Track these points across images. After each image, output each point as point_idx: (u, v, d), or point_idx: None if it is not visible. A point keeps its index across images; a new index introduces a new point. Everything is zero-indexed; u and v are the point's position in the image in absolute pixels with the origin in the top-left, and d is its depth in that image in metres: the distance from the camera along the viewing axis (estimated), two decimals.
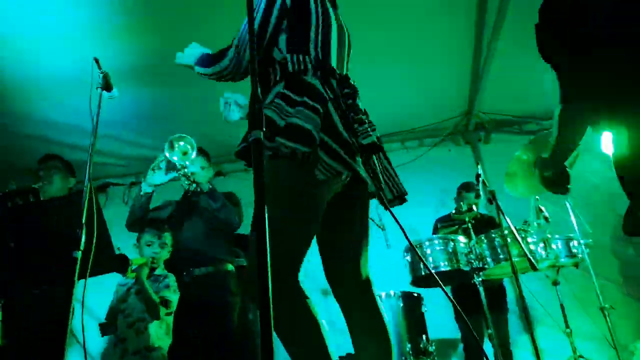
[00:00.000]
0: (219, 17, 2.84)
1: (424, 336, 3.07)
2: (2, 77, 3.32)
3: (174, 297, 2.67)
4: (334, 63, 1.53)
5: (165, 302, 2.63)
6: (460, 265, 3.02)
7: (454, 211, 3.26)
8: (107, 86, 1.83)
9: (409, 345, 2.98)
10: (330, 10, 1.59)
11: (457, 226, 3.24)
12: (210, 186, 2.82)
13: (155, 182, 2.78)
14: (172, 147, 2.66)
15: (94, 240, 1.52)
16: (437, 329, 3.50)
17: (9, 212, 1.68)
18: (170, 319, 2.67)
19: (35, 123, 3.77)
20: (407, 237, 1.49)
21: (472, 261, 3.05)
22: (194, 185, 2.81)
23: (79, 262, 1.53)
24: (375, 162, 1.48)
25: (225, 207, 2.77)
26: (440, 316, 3.75)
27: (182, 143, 2.68)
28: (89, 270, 1.50)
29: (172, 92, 3.61)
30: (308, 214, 1.37)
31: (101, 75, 1.80)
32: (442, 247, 3.05)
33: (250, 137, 1.05)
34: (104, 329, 2.64)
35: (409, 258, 3.15)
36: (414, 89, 3.97)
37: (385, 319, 1.49)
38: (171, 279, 2.73)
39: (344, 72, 1.59)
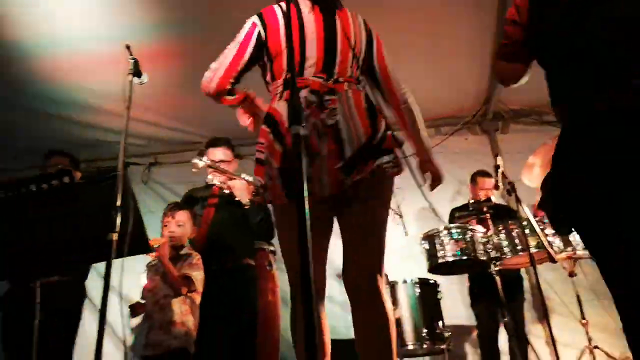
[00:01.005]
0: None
1: (439, 322, 3.11)
2: (35, 58, 3.35)
3: (197, 274, 2.74)
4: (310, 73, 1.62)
5: (188, 279, 2.69)
6: (478, 254, 3.05)
7: (471, 200, 3.28)
8: (137, 72, 1.85)
9: (425, 331, 3.03)
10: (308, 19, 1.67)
11: (474, 215, 3.25)
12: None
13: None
14: None
15: (130, 222, 1.56)
16: (452, 316, 3.56)
17: (45, 192, 1.73)
18: (196, 297, 2.75)
19: (64, 105, 3.81)
20: None
21: (489, 251, 3.07)
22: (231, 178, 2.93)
23: (114, 244, 1.58)
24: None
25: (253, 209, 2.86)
26: (455, 303, 3.81)
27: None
28: (125, 252, 1.55)
29: (191, 73, 3.64)
30: None
31: (132, 61, 1.83)
32: (459, 236, 3.07)
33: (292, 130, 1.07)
34: (134, 310, 2.72)
35: (426, 246, 3.18)
36: (432, 77, 3.95)
37: (386, 314, 1.55)
38: (195, 258, 2.80)
39: (334, 75, 1.64)
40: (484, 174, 3.64)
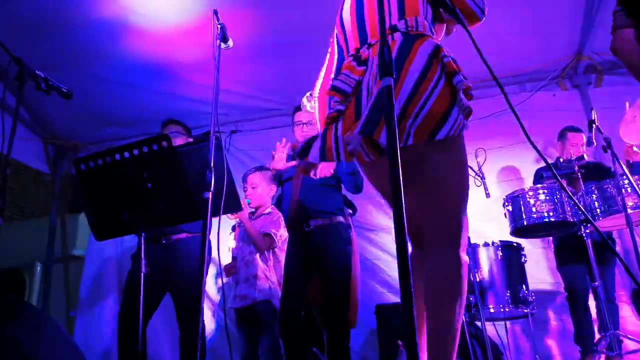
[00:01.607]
0: None
1: (523, 286, 3.04)
2: (125, 35, 3.55)
3: (277, 230, 2.91)
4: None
5: (269, 237, 2.84)
6: (567, 216, 2.90)
7: (561, 159, 3.10)
8: (224, 37, 1.91)
9: (507, 295, 2.97)
10: None
11: (564, 175, 3.08)
12: None
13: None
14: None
15: (225, 182, 1.66)
16: (536, 280, 3.45)
17: (145, 157, 1.87)
18: (279, 253, 2.91)
19: (153, 77, 4.01)
20: None
21: (580, 212, 2.92)
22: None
23: (210, 202, 1.68)
24: None
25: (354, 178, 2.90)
26: (539, 267, 3.69)
27: None
28: (221, 209, 1.65)
29: (270, 41, 3.68)
30: None
31: (219, 26, 1.89)
32: (547, 197, 2.94)
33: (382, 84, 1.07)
34: (228, 270, 2.93)
35: (510, 208, 3.07)
36: (518, 29, 3.70)
37: (444, 283, 1.44)
38: (276, 216, 2.98)
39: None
40: (575, 129, 3.42)
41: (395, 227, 0.94)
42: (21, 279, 4.45)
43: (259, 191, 3.02)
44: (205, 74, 3.90)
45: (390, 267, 3.87)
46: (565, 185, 3.01)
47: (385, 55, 1.05)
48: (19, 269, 4.54)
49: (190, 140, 3.10)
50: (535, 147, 1.43)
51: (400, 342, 3.03)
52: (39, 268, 4.53)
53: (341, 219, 2.98)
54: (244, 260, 2.92)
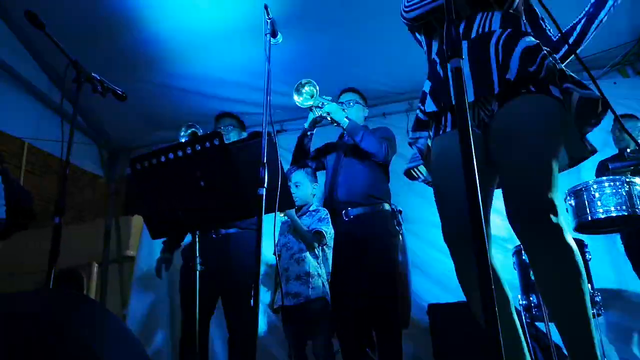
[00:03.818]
0: None
1: (588, 285, 2.86)
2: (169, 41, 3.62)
3: (326, 228, 2.87)
4: None
5: (319, 234, 2.82)
6: (637, 209, 2.71)
7: (628, 150, 2.91)
8: (273, 32, 1.89)
9: None
10: None
11: (631, 166, 2.88)
12: (349, 121, 2.90)
13: (305, 126, 3.10)
14: (298, 92, 2.96)
15: (279, 178, 1.63)
16: (601, 279, 3.25)
17: (198, 154, 1.87)
18: (328, 250, 2.87)
19: (198, 81, 4.07)
20: None
21: None
22: (335, 124, 2.94)
23: (264, 198, 1.66)
24: None
25: (368, 136, 2.82)
26: (603, 265, 3.47)
27: (306, 88, 2.87)
28: (276, 206, 1.63)
29: (320, 42, 3.66)
30: None
31: (269, 21, 1.87)
32: (614, 190, 2.75)
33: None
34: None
35: (572, 202, 2.90)
36: (571, 11, 3.51)
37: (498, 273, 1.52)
38: (323, 213, 2.95)
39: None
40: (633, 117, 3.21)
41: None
42: (79, 278, 4.63)
43: (301, 190, 3.01)
44: (250, 75, 3.93)
45: (441, 265, 3.75)
46: (631, 176, 2.83)
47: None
48: (77, 269, 4.72)
49: (244, 134, 3.14)
50: (630, 136, 1.36)
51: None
52: (95, 268, 4.70)
53: (386, 206, 2.89)
54: (294, 258, 2.90)
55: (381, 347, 2.77)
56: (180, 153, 1.90)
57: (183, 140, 2.91)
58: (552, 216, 1.36)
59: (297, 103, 2.94)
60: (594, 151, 1.56)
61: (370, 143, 2.85)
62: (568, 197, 2.94)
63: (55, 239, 1.85)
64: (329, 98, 3.04)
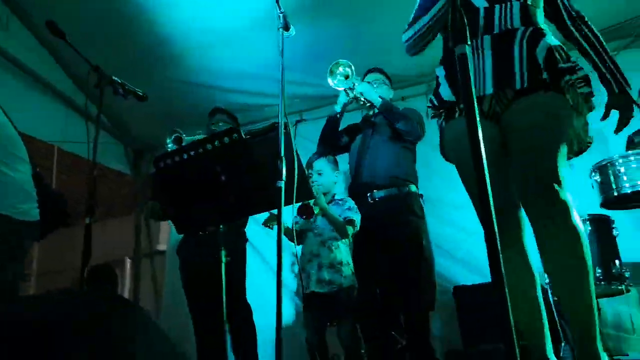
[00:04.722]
0: None
1: (616, 261, 2.82)
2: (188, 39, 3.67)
3: (356, 216, 2.88)
4: None
5: (351, 222, 2.83)
6: None
7: None
8: (286, 25, 1.91)
9: (599, 271, 2.77)
10: None
11: None
12: (382, 100, 2.87)
13: (337, 110, 3.04)
14: (332, 74, 2.86)
15: (296, 171, 1.67)
16: (630, 253, 3.19)
17: (217, 150, 1.92)
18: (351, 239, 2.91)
19: (217, 75, 4.12)
20: None
21: None
22: (368, 104, 2.91)
23: (283, 191, 1.70)
24: None
25: (403, 117, 2.80)
26: (634, 240, 3.40)
27: (340, 69, 2.81)
28: (294, 197, 1.66)
29: (336, 28, 3.65)
30: None
31: (281, 15, 1.89)
32: None
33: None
34: (303, 211, 2.88)
35: (597, 178, 2.86)
36: None
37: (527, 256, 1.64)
38: (351, 203, 2.96)
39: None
40: None
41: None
42: (113, 274, 4.78)
43: (324, 176, 3.02)
44: (268, 68, 3.95)
45: (465, 245, 3.72)
46: None
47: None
48: (111, 265, 4.88)
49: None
50: None
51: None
52: (128, 263, 4.85)
53: (413, 188, 2.86)
54: (326, 245, 2.92)
55: (410, 330, 2.79)
56: (200, 150, 1.96)
57: (170, 147, 2.97)
58: (558, 189, 1.46)
59: (332, 86, 2.86)
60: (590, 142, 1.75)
61: (405, 121, 2.82)
62: (593, 173, 2.89)
63: (87, 238, 1.93)
64: (359, 78, 2.98)
